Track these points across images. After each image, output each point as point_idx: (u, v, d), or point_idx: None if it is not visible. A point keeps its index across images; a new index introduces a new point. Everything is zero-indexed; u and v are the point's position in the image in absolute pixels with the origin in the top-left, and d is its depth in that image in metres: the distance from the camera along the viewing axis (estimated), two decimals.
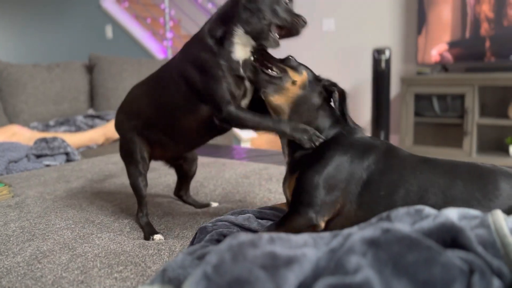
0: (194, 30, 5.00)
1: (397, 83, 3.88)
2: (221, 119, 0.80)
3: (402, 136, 3.59)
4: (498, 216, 0.47)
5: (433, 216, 0.51)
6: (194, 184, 1.18)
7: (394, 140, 3.81)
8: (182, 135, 0.89)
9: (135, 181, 0.94)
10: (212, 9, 4.40)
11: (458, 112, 3.37)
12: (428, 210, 0.55)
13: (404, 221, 0.54)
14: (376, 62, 3.51)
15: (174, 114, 0.86)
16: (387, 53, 3.50)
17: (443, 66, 3.57)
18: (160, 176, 1.31)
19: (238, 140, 3.72)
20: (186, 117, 0.85)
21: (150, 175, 1.28)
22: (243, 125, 0.80)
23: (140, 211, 0.93)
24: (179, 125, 0.87)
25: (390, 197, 0.70)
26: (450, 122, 3.42)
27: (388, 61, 3.51)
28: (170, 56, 4.36)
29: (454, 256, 0.43)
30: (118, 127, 1.00)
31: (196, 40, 0.84)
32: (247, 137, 3.72)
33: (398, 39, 3.94)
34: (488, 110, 3.45)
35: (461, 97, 3.32)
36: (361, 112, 4.10)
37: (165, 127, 0.89)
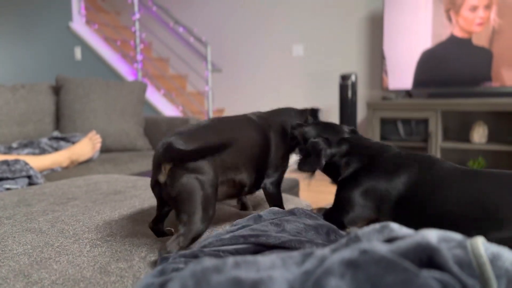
0: (165, 53, 5.03)
1: (363, 108, 3.99)
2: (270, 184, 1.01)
3: None
4: (477, 239, 0.48)
5: (409, 236, 0.52)
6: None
7: None
8: None
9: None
10: (183, 32, 4.43)
11: (422, 136, 3.48)
12: (392, 225, 0.56)
13: (372, 238, 0.55)
14: (343, 87, 3.61)
15: None
16: (353, 78, 3.60)
17: (407, 92, 3.69)
18: (126, 199, 1.28)
19: None
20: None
21: (115, 197, 1.25)
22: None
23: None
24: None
25: (421, 212, 0.76)
26: (415, 146, 3.53)
27: (354, 87, 3.61)
28: (140, 78, 4.34)
29: (429, 277, 0.43)
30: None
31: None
32: None
33: (364, 65, 4.07)
34: (450, 134, 3.58)
35: (425, 122, 3.43)
36: None
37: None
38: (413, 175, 0.80)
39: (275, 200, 1.03)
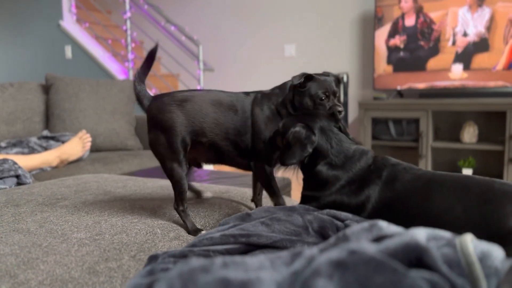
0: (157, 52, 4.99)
1: (355, 108, 4.00)
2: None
3: None
4: (466, 237, 0.48)
5: (398, 235, 0.52)
6: (152, 205, 1.15)
7: None
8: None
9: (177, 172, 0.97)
10: (175, 31, 4.41)
11: (413, 135, 3.50)
12: (381, 224, 0.56)
13: (361, 237, 0.54)
14: None
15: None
16: (344, 78, 3.60)
17: (398, 92, 3.71)
18: (116, 199, 1.27)
19: None
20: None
21: (105, 197, 1.23)
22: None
23: (181, 205, 0.98)
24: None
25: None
26: (406, 145, 3.54)
27: (346, 86, 3.61)
28: (131, 77, 4.31)
29: (418, 277, 0.43)
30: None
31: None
32: None
33: (355, 65, 4.08)
34: (441, 134, 3.60)
35: (416, 122, 3.45)
36: None
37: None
38: (377, 193, 0.86)
39: (260, 180, 1.05)
